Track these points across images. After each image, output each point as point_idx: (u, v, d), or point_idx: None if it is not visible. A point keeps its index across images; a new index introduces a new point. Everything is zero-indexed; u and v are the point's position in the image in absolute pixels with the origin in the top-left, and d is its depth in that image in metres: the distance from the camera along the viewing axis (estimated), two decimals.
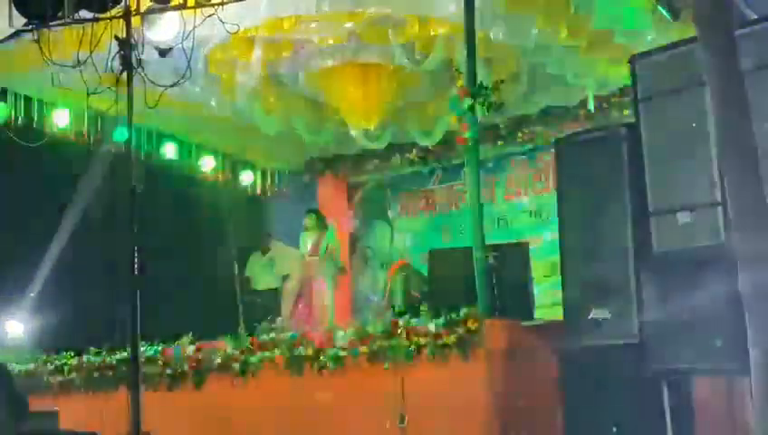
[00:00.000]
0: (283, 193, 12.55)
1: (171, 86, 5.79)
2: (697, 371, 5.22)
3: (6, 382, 3.28)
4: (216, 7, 5.45)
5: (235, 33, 7.21)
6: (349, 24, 8.29)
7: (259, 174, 12.33)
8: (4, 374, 3.20)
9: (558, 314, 6.19)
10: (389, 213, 12.23)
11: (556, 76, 9.09)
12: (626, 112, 9.33)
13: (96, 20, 5.49)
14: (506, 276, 6.67)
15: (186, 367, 7.88)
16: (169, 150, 10.92)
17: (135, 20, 5.47)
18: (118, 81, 5.32)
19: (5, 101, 9.24)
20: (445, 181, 11.71)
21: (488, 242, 6.87)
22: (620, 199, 5.59)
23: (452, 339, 6.38)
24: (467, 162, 6.82)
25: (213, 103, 9.86)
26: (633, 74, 5.63)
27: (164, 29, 5.82)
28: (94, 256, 9.47)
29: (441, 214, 11.77)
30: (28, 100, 9.41)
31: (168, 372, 7.93)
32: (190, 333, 8.13)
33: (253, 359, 7.50)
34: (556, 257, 6.47)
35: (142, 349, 7.36)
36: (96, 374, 8.38)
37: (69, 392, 8.54)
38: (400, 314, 7.33)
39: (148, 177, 7.55)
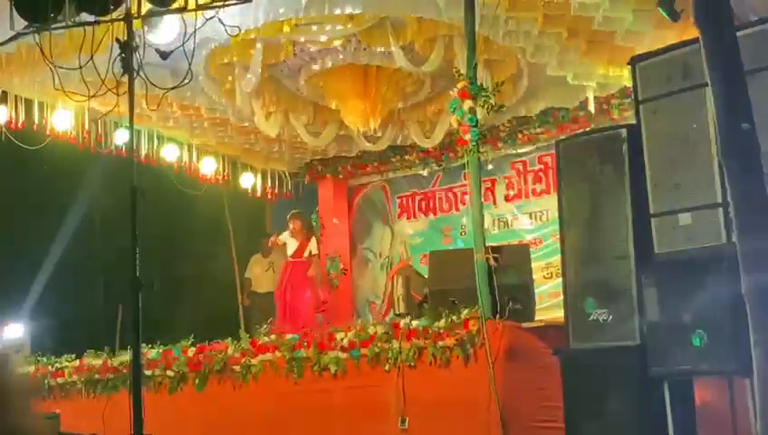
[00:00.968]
0: (284, 195, 12.55)
1: (172, 89, 5.79)
2: (698, 372, 5.21)
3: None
4: (216, 10, 5.45)
5: (236, 35, 7.24)
6: (348, 26, 8.29)
7: (259, 176, 12.33)
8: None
9: (559, 315, 6.20)
10: (390, 215, 12.23)
11: (556, 77, 9.09)
12: (626, 114, 9.34)
13: (97, 23, 5.49)
14: (507, 278, 6.66)
15: (187, 369, 7.87)
16: (170, 153, 10.92)
17: (136, 23, 5.46)
18: (118, 83, 5.32)
19: (6, 104, 9.24)
20: (445, 183, 11.71)
21: (489, 244, 6.87)
22: (621, 201, 5.58)
23: (453, 341, 6.39)
24: (468, 164, 6.81)
25: (213, 106, 9.88)
26: (634, 76, 5.62)
27: (165, 32, 5.82)
28: (95, 258, 9.49)
29: (442, 216, 11.77)
30: (29, 102, 9.41)
31: (170, 374, 7.93)
32: (191, 336, 8.13)
33: (254, 361, 7.50)
34: (557, 259, 6.48)
35: (143, 351, 7.37)
36: (97, 377, 8.38)
37: (70, 395, 8.54)
38: (401, 316, 7.34)
39: (148, 179, 7.57)
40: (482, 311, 6.34)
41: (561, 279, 6.03)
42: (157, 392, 7.93)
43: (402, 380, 6.60)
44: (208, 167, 11.49)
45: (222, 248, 12.00)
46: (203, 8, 5.42)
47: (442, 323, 6.51)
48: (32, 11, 5.48)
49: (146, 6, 5.45)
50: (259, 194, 12.35)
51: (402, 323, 6.80)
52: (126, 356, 7.97)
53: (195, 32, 5.49)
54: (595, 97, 9.64)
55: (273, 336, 7.65)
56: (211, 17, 5.57)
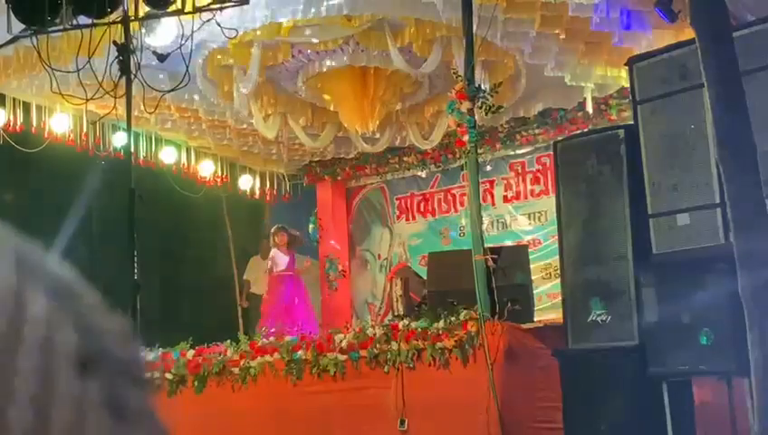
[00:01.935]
0: (282, 197, 12.55)
1: (170, 91, 5.80)
2: (697, 372, 5.22)
3: None
4: (213, 12, 5.45)
5: (233, 38, 7.24)
6: (346, 28, 8.30)
7: (258, 178, 12.33)
8: None
9: (558, 316, 6.20)
10: (388, 216, 12.23)
11: (554, 78, 9.10)
12: (624, 114, 9.35)
13: (94, 25, 5.49)
14: (506, 279, 6.66)
15: (185, 372, 7.87)
16: (168, 155, 10.92)
17: (133, 25, 5.47)
18: (116, 86, 5.32)
19: (4, 107, 9.24)
20: (443, 184, 11.71)
21: (487, 245, 6.87)
22: (619, 201, 5.59)
23: (452, 342, 6.38)
24: (466, 165, 6.82)
25: (211, 108, 9.88)
26: (631, 77, 5.63)
27: (162, 34, 5.83)
28: (93, 260, 9.48)
29: (440, 217, 11.77)
30: (27, 105, 9.41)
31: (168, 376, 7.93)
32: (190, 338, 8.13)
33: (253, 363, 7.49)
34: (555, 260, 6.49)
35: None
36: None
37: None
38: (400, 318, 7.33)
39: (147, 182, 7.57)
40: (480, 312, 6.34)
41: (559, 280, 6.03)
42: (155, 395, 7.90)
43: (401, 381, 6.60)
44: (207, 169, 11.48)
45: (220, 250, 12.00)
46: (200, 11, 5.42)
47: (441, 324, 6.51)
48: (29, 14, 5.48)
49: (143, 9, 5.45)
50: (258, 196, 12.35)
51: (401, 324, 6.80)
52: None
53: (192, 34, 5.50)
54: (593, 98, 9.65)
55: (271, 338, 7.65)
56: (208, 20, 5.57)
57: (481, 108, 6.74)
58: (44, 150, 9.27)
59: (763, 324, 3.31)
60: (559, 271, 6.04)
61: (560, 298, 6.04)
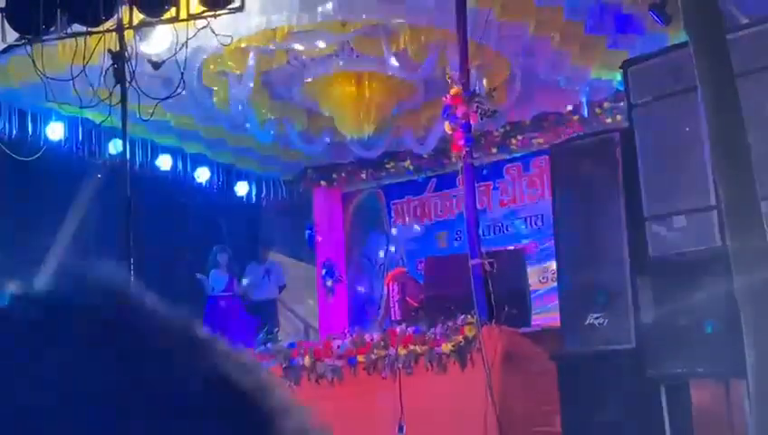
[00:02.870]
0: (279, 203, 12.55)
1: (165, 99, 5.79)
2: (695, 374, 5.22)
3: None
4: (208, 19, 5.46)
5: (228, 44, 7.25)
6: (341, 34, 8.30)
7: (254, 184, 12.33)
8: None
9: (555, 319, 6.20)
10: (385, 221, 12.23)
11: (549, 82, 9.11)
12: (619, 117, 9.36)
13: (89, 34, 5.50)
14: (503, 283, 6.67)
15: None
16: (164, 162, 10.92)
17: (128, 33, 5.47)
18: (111, 93, 5.32)
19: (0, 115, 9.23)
20: (440, 189, 11.72)
21: (484, 249, 6.87)
22: (615, 204, 5.59)
23: (449, 347, 6.38)
24: (462, 170, 6.82)
25: (207, 114, 9.88)
26: (626, 80, 5.65)
27: (157, 42, 5.83)
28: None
29: (437, 221, 11.78)
30: (23, 113, 9.40)
31: None
32: None
33: None
34: (552, 263, 6.49)
35: None
36: None
37: None
38: (398, 323, 7.33)
39: (143, 188, 7.57)
40: (477, 317, 6.34)
41: (556, 283, 6.04)
42: None
43: (399, 387, 6.59)
44: (203, 175, 11.49)
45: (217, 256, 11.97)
46: (195, 18, 5.43)
47: (438, 329, 6.51)
48: (24, 23, 5.49)
49: (138, 17, 5.46)
50: (254, 202, 12.35)
51: (399, 329, 6.80)
52: None
53: (187, 41, 5.50)
54: (588, 101, 9.67)
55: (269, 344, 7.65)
56: (203, 27, 5.57)
57: (476, 112, 6.74)
58: (41, 158, 9.25)
59: (759, 326, 3.31)
60: (556, 274, 6.03)
61: (557, 302, 6.03)
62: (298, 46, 8.60)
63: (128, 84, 5.27)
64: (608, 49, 8.31)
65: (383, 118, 9.83)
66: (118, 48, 5.31)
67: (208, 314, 10.52)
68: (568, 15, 7.85)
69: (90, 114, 7.84)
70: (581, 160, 5.83)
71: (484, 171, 10.97)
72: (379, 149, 10.89)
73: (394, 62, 8.46)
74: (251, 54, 8.51)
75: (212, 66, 8.73)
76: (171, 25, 5.61)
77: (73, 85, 5.54)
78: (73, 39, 5.51)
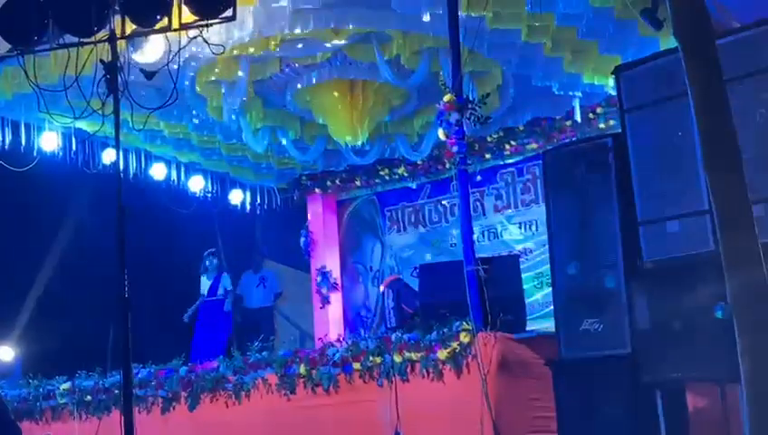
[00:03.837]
0: (273, 211, 12.54)
1: (158, 108, 5.78)
2: (690, 379, 5.22)
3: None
4: (201, 29, 5.45)
5: (221, 54, 7.25)
6: (334, 42, 8.31)
7: (248, 192, 12.33)
8: None
9: (550, 325, 6.20)
10: (379, 228, 12.23)
11: (542, 88, 9.13)
12: (612, 123, 9.38)
13: (81, 44, 5.49)
14: (498, 289, 6.67)
15: (179, 388, 7.84)
16: (158, 171, 10.92)
17: (120, 43, 5.46)
18: (104, 104, 5.31)
19: None
20: (434, 195, 11.72)
21: (478, 255, 6.87)
22: (609, 209, 5.60)
23: (445, 353, 6.38)
24: (456, 176, 6.83)
25: (200, 123, 9.88)
26: (618, 85, 5.66)
27: (149, 52, 5.83)
28: (84, 278, 9.45)
29: (431, 228, 11.78)
30: (15, 124, 9.39)
31: (162, 394, 7.90)
32: (182, 354, 8.10)
33: (246, 379, 7.47)
34: (547, 268, 6.49)
35: (134, 371, 7.34)
36: (89, 398, 8.34)
37: (62, 417, 8.49)
38: (393, 330, 7.33)
39: (137, 198, 7.56)
40: (473, 323, 6.34)
41: (550, 289, 6.04)
42: (149, 412, 7.89)
43: (395, 394, 6.59)
44: (197, 184, 11.48)
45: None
46: (187, 28, 5.42)
47: (434, 335, 6.51)
48: (15, 34, 5.48)
49: (130, 27, 5.45)
50: (248, 210, 12.34)
51: (394, 336, 6.79)
52: (117, 377, 7.93)
53: (179, 51, 5.49)
54: (581, 106, 9.68)
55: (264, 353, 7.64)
56: (195, 36, 5.56)
57: (469, 119, 6.75)
58: (34, 168, 9.23)
59: (752, 329, 3.31)
60: (550, 280, 6.04)
61: (552, 307, 6.04)
62: (291, 54, 8.60)
63: (120, 94, 5.26)
64: (600, 55, 8.32)
65: (377, 125, 9.84)
66: (110, 58, 5.30)
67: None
68: (560, 21, 7.86)
69: (83, 124, 7.83)
70: (575, 166, 5.84)
71: (478, 177, 10.97)
72: (372, 156, 10.90)
73: (387, 69, 8.46)
74: (244, 63, 8.52)
75: (205, 75, 8.73)
76: (164, 35, 5.61)
77: (66, 96, 5.52)
78: (65, 49, 5.50)
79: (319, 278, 12.04)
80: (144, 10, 5.38)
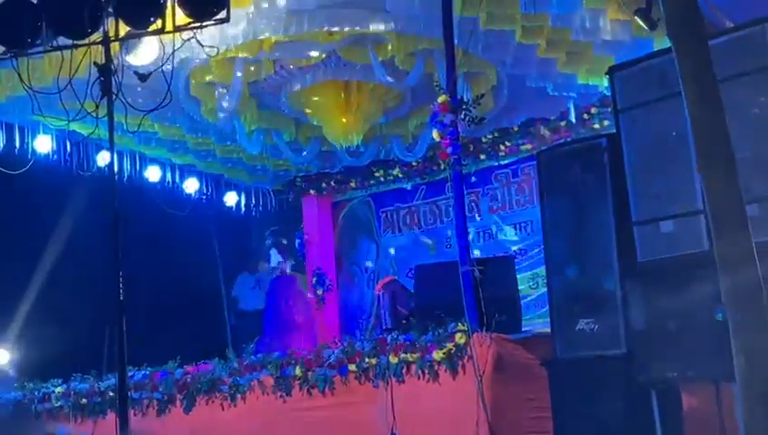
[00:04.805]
0: (268, 213, 12.54)
1: (152, 111, 5.78)
2: (685, 378, 5.23)
3: None
4: (194, 31, 5.45)
5: (215, 55, 7.24)
6: (328, 43, 8.31)
7: (243, 194, 12.33)
8: None
9: (545, 326, 6.20)
10: (374, 229, 12.23)
11: (536, 88, 9.13)
12: (607, 123, 9.39)
13: (75, 46, 5.48)
14: (493, 290, 6.67)
15: (174, 391, 7.83)
16: (153, 173, 10.91)
17: (114, 46, 5.46)
18: (98, 106, 5.31)
19: None
20: (429, 196, 11.72)
21: (474, 256, 6.87)
22: (604, 210, 5.61)
23: (440, 354, 6.38)
24: (450, 177, 6.83)
25: (195, 125, 9.87)
26: (612, 85, 5.67)
27: (143, 54, 5.82)
28: (79, 281, 9.43)
29: (426, 229, 11.78)
30: (10, 126, 9.38)
31: (157, 396, 7.89)
32: (178, 357, 8.09)
33: (241, 381, 7.47)
34: (543, 269, 6.49)
35: (130, 374, 7.33)
36: (84, 401, 8.32)
37: (57, 420, 8.48)
38: (388, 331, 7.32)
39: (132, 200, 7.55)
40: (468, 324, 6.34)
41: (545, 290, 6.04)
42: (145, 415, 7.89)
43: (391, 395, 6.58)
44: (192, 186, 11.47)
45: (208, 267, 11.96)
46: (181, 30, 5.42)
47: (429, 336, 6.51)
48: (9, 36, 5.47)
49: (123, 29, 5.45)
50: (243, 212, 12.34)
51: (389, 337, 6.79)
52: (113, 380, 7.92)
53: (173, 53, 5.49)
54: (575, 107, 9.69)
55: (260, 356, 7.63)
56: (189, 38, 5.56)
57: (464, 119, 6.75)
58: (29, 171, 9.22)
59: (746, 328, 3.32)
60: (545, 280, 6.04)
61: (547, 308, 6.04)
62: (285, 56, 8.59)
63: (114, 97, 5.26)
64: (594, 55, 8.33)
65: (371, 126, 9.84)
66: (104, 60, 5.30)
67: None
68: (554, 22, 7.87)
69: (77, 127, 7.82)
70: (569, 166, 5.85)
71: (473, 178, 10.98)
72: (367, 158, 10.90)
73: (381, 70, 8.46)
74: (238, 65, 8.51)
75: (199, 77, 8.72)
76: (157, 37, 5.60)
77: (60, 98, 5.52)
78: (59, 52, 5.49)
79: (314, 279, 12.04)
80: (138, 12, 5.38)
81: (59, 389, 8.55)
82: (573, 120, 9.83)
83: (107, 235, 5.26)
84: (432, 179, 11.44)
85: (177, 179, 11.32)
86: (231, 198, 12.14)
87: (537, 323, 8.59)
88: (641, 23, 7.37)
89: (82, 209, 9.54)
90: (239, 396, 7.46)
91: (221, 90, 8.91)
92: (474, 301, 6.47)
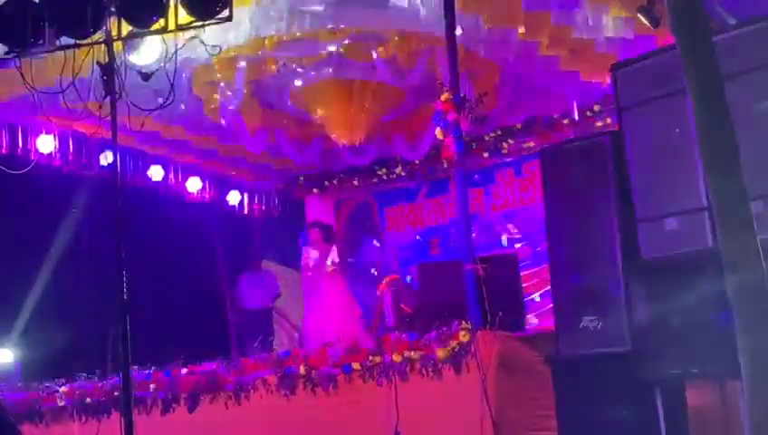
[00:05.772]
0: (271, 212, 12.54)
1: (155, 110, 5.78)
2: (689, 376, 5.22)
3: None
4: (197, 30, 5.45)
5: (217, 54, 7.24)
6: (331, 42, 8.31)
7: (246, 193, 12.33)
8: None
9: (549, 323, 6.20)
10: (377, 228, 12.23)
11: (539, 86, 9.13)
12: (609, 121, 9.38)
13: (77, 46, 5.49)
14: (496, 288, 6.67)
15: (178, 390, 7.84)
16: (156, 172, 10.92)
17: (116, 45, 5.46)
18: (101, 106, 5.31)
19: None
20: (432, 195, 11.72)
21: (477, 254, 6.87)
22: (607, 207, 5.60)
23: (444, 353, 6.38)
24: (454, 175, 6.82)
25: (198, 124, 9.87)
26: (615, 83, 5.66)
27: (146, 53, 5.82)
28: (83, 281, 9.44)
29: (430, 227, 11.78)
30: (12, 127, 9.38)
31: (161, 395, 7.90)
32: (182, 356, 8.09)
33: (245, 379, 7.47)
34: (546, 267, 6.49)
35: (134, 373, 7.33)
36: (88, 401, 8.33)
37: (62, 420, 8.48)
38: (392, 330, 7.32)
39: (135, 199, 7.55)
40: (472, 322, 6.34)
41: (549, 287, 6.04)
42: (149, 414, 7.89)
43: (395, 393, 6.58)
44: (195, 185, 11.48)
45: (211, 266, 11.96)
46: (183, 29, 5.42)
47: (433, 335, 6.51)
48: (11, 36, 5.48)
49: (126, 28, 5.45)
50: (246, 211, 12.34)
51: (393, 336, 6.79)
52: (117, 379, 7.93)
53: (176, 52, 5.50)
54: (578, 105, 9.68)
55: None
56: (192, 38, 5.56)
57: (467, 118, 6.75)
58: (32, 171, 9.22)
59: (751, 326, 3.31)
60: (549, 278, 6.04)
61: (551, 305, 6.04)
62: (288, 54, 8.59)
63: (117, 96, 5.26)
64: (597, 52, 8.32)
65: (374, 125, 9.83)
66: (107, 60, 5.30)
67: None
68: (556, 20, 7.87)
69: (80, 127, 7.83)
70: (573, 164, 5.85)
71: (476, 176, 10.98)
72: (370, 156, 10.89)
73: (384, 68, 8.46)
74: (241, 63, 8.51)
75: (202, 76, 8.72)
76: (160, 36, 5.60)
77: (63, 98, 5.52)
78: (62, 52, 5.50)
79: None
80: (140, 11, 5.38)
81: (63, 388, 8.55)
82: (576, 118, 9.82)
83: (110, 234, 5.26)
84: (435, 178, 11.44)
85: (180, 179, 11.32)
86: (234, 198, 12.14)
87: (541, 320, 8.58)
88: (644, 20, 7.36)
89: (86, 209, 9.55)
90: (243, 395, 7.47)
91: (223, 88, 8.90)
92: (477, 299, 6.47)
